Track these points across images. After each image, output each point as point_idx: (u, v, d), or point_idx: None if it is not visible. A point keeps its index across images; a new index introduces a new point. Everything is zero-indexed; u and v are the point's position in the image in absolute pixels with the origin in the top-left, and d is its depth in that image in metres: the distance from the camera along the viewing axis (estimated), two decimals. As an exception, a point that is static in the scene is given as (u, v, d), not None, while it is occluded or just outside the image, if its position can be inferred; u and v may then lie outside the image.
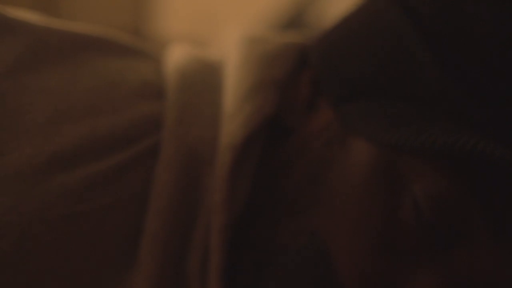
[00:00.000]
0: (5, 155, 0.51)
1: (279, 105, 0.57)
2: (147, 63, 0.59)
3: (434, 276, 0.52)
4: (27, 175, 0.50)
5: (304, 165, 0.55)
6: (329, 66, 0.56)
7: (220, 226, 0.53)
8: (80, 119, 0.53)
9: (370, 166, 0.53)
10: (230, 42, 0.60)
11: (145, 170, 0.53)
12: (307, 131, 0.56)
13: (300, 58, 0.59)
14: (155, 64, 0.59)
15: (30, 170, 0.50)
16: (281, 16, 1.53)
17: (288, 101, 0.57)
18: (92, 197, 0.52)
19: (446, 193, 0.51)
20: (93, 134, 0.52)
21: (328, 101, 0.56)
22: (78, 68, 0.55)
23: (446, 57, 0.52)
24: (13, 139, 0.51)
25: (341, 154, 0.54)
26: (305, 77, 0.58)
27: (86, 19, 1.73)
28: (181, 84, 0.57)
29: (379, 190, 0.52)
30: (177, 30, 1.88)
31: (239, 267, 0.55)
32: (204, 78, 0.58)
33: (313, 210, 0.53)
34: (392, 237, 0.52)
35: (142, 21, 1.98)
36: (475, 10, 0.51)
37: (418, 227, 0.51)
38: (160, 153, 0.54)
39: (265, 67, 0.57)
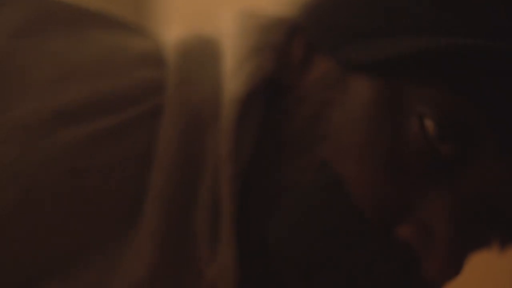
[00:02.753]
0: (13, 108, 0.52)
1: (276, 66, 0.59)
2: (146, 39, 0.61)
3: (446, 195, 0.53)
4: (33, 129, 0.52)
5: (306, 107, 0.57)
6: (322, 18, 0.59)
7: (229, 176, 0.55)
8: (84, 79, 0.54)
9: (373, 97, 0.54)
10: (224, 19, 0.63)
11: (148, 130, 0.55)
12: (306, 82, 0.58)
13: (291, 28, 0.61)
14: (154, 40, 0.61)
15: (36, 124, 0.52)
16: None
17: (284, 61, 0.59)
18: (95, 153, 0.53)
19: (450, 107, 0.52)
20: (97, 93, 0.54)
21: (322, 56, 0.58)
22: (81, 37, 0.57)
23: None
24: (20, 94, 0.52)
25: (343, 94, 0.55)
26: (298, 42, 0.60)
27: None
28: (181, 53, 0.59)
29: (385, 116, 0.54)
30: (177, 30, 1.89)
31: (249, 218, 0.56)
32: (202, 48, 0.60)
33: (320, 145, 0.55)
34: (401, 159, 0.53)
35: (142, 21, 2.00)
36: None
37: (425, 146, 0.53)
38: (163, 114, 0.55)
39: (261, 34, 0.60)
